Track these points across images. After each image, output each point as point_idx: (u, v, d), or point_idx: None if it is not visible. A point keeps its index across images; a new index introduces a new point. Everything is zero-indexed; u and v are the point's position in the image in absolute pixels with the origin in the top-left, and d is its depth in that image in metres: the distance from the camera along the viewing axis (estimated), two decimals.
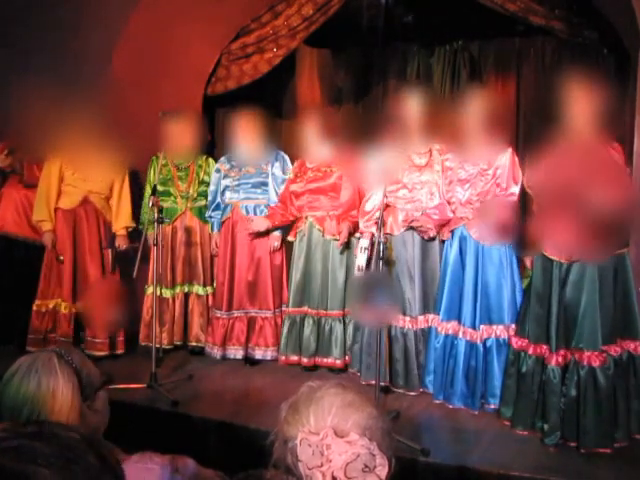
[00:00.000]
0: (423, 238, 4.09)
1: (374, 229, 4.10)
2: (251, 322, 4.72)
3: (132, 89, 5.11)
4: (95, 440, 0.91)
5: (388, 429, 1.26)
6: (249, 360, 4.72)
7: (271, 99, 6.04)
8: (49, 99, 4.68)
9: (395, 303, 4.04)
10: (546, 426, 3.40)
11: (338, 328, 4.49)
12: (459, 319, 3.93)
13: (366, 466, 1.18)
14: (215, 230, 4.86)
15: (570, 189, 3.31)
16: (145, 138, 4.61)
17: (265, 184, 4.72)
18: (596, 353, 3.29)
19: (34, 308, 4.72)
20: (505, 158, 3.84)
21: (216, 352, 4.75)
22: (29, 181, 4.80)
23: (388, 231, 4.09)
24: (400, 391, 4.14)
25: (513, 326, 3.75)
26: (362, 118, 6.26)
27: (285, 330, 4.62)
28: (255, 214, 4.72)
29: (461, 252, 3.95)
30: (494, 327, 3.87)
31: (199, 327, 4.95)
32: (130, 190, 4.81)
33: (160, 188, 4.63)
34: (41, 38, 5.18)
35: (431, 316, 4.14)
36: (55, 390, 1.54)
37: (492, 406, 3.84)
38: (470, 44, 6.00)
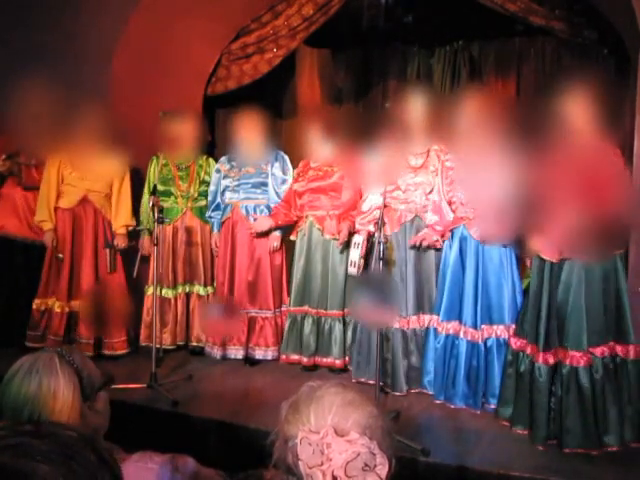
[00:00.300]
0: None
1: (371, 227, 4.11)
2: (251, 322, 4.72)
3: (132, 89, 5.12)
4: (93, 438, 0.92)
5: (388, 428, 1.26)
6: (249, 360, 4.72)
7: (271, 99, 6.04)
8: (49, 99, 4.68)
9: (393, 304, 4.04)
10: (535, 425, 3.40)
11: (337, 328, 4.49)
12: (460, 319, 3.94)
13: (366, 465, 1.18)
14: (215, 230, 4.86)
15: (567, 189, 3.31)
16: (145, 138, 4.62)
17: (265, 184, 4.73)
18: (580, 353, 3.28)
19: (34, 306, 4.73)
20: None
21: (216, 352, 4.75)
22: (28, 183, 4.81)
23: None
24: (387, 391, 4.14)
25: (513, 326, 3.76)
26: (362, 118, 6.26)
27: (286, 329, 4.63)
28: (255, 214, 4.72)
29: (461, 252, 3.95)
30: (494, 327, 3.87)
31: (200, 327, 4.95)
32: (131, 189, 4.81)
33: (161, 188, 4.63)
34: (41, 38, 5.18)
35: (427, 317, 4.14)
36: (56, 390, 1.54)
37: (492, 406, 3.84)
38: (470, 44, 6.01)
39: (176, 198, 4.88)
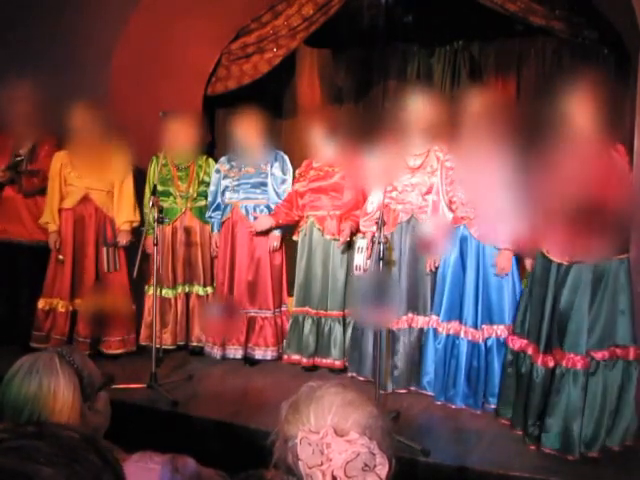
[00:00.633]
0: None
1: (374, 228, 4.11)
2: (251, 322, 4.72)
3: (132, 89, 5.12)
4: (96, 439, 0.92)
5: (388, 428, 1.26)
6: (249, 360, 4.72)
7: (271, 99, 6.04)
8: (49, 99, 4.68)
9: (391, 304, 4.04)
10: (528, 424, 3.40)
11: (338, 329, 4.50)
12: (460, 319, 3.94)
13: (366, 465, 1.18)
14: (215, 230, 4.86)
15: (571, 190, 3.30)
16: (145, 138, 4.61)
17: (265, 184, 4.73)
18: (578, 357, 3.25)
19: (39, 306, 4.74)
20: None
21: (216, 352, 4.75)
22: (28, 189, 4.81)
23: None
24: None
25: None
26: (362, 118, 6.26)
27: (289, 329, 4.64)
28: (255, 213, 4.72)
29: (462, 253, 3.95)
30: (495, 327, 3.88)
31: (200, 327, 4.95)
32: (134, 185, 4.79)
33: (160, 188, 4.63)
34: (41, 38, 5.18)
35: (421, 318, 4.14)
36: (56, 390, 1.54)
37: (492, 406, 3.84)
38: (470, 44, 6.00)
39: (175, 198, 4.88)
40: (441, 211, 4.06)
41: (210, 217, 4.87)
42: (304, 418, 1.23)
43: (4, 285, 4.88)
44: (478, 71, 5.99)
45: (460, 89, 5.74)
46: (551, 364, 3.37)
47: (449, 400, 3.96)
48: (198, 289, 4.95)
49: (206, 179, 4.94)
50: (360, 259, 4.22)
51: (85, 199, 4.71)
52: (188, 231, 4.90)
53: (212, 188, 4.86)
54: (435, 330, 4.05)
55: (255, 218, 4.69)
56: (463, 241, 3.95)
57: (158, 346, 4.29)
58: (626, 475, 3.17)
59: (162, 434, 3.53)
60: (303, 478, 1.19)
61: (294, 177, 4.74)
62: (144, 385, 4.05)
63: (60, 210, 4.72)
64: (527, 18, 4.88)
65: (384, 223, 3.70)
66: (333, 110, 6.20)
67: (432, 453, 3.23)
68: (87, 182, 4.69)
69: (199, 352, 4.89)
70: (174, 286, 4.90)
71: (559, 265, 3.36)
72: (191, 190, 4.91)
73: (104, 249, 4.69)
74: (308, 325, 4.55)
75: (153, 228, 4.19)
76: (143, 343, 4.83)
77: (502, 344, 3.82)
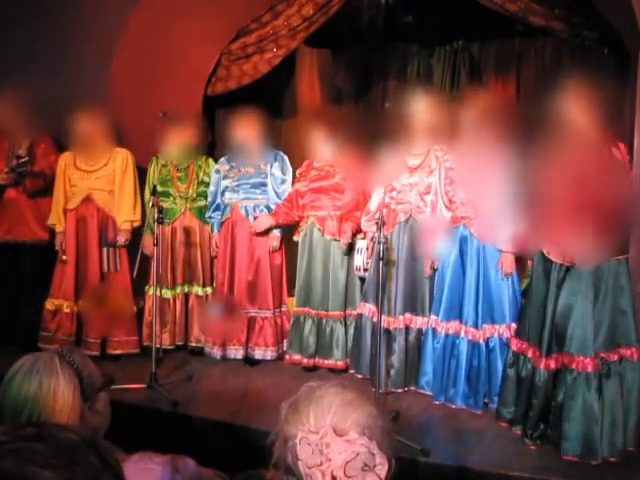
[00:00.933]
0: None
1: (374, 228, 4.11)
2: (251, 322, 4.72)
3: (132, 89, 5.12)
4: (94, 440, 0.91)
5: (388, 428, 1.26)
6: (249, 360, 4.72)
7: (271, 99, 6.04)
8: (48, 99, 4.68)
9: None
10: (529, 426, 3.40)
11: (339, 329, 4.49)
12: (460, 319, 3.93)
13: (365, 465, 1.18)
14: (215, 231, 4.86)
15: (571, 190, 3.30)
16: (145, 138, 4.61)
17: (264, 184, 4.73)
18: (588, 359, 3.24)
19: (46, 307, 4.76)
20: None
21: (216, 352, 4.75)
22: (32, 189, 4.82)
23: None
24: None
25: (514, 325, 3.76)
26: (362, 118, 6.25)
27: (290, 329, 4.64)
28: (255, 212, 4.72)
29: (461, 252, 3.95)
30: (496, 326, 3.87)
31: (199, 328, 4.95)
32: (135, 186, 4.79)
33: (160, 188, 4.63)
34: (41, 38, 5.18)
35: (419, 318, 4.14)
36: (56, 391, 1.54)
37: (495, 406, 3.83)
38: (470, 44, 6.00)
39: (175, 199, 4.88)
40: (439, 211, 4.06)
41: (210, 217, 4.87)
42: (304, 418, 1.23)
43: (7, 286, 4.88)
44: (478, 71, 5.99)
45: (460, 89, 5.74)
46: (553, 367, 3.36)
47: (449, 400, 3.96)
48: (197, 289, 4.95)
49: (206, 179, 4.94)
50: (360, 260, 4.26)
51: (87, 199, 4.71)
52: (188, 231, 4.90)
53: (212, 188, 4.86)
54: (434, 330, 4.04)
55: (255, 218, 4.69)
56: (463, 241, 3.95)
57: (158, 346, 4.29)
58: (626, 476, 3.16)
59: (162, 434, 3.53)
60: (303, 478, 1.19)
61: (294, 177, 4.74)
62: (144, 385, 4.05)
63: (64, 211, 4.73)
64: (527, 18, 4.88)
65: (384, 223, 3.70)
66: (333, 110, 6.20)
67: (432, 453, 3.23)
68: (89, 183, 4.69)
69: (199, 352, 4.89)
70: (173, 286, 4.90)
71: (559, 266, 3.36)
72: (191, 190, 4.91)
73: (104, 249, 4.69)
74: (308, 326, 4.55)
75: (152, 228, 4.19)
76: (144, 343, 4.83)
77: (504, 343, 3.81)
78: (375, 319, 4.08)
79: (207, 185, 4.91)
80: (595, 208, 3.21)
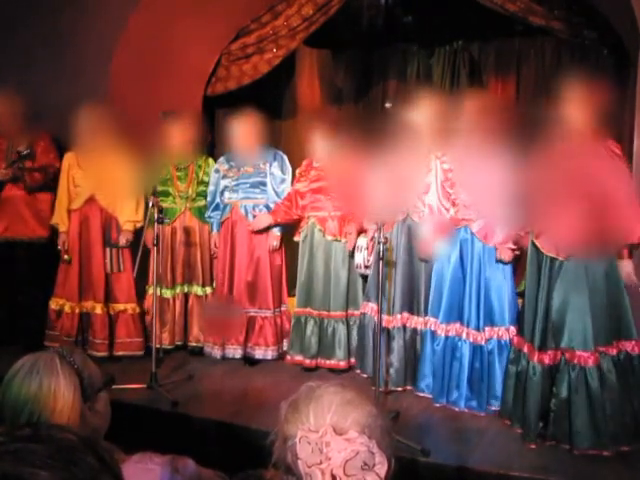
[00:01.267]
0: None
1: (374, 227, 4.12)
2: (250, 322, 4.72)
3: (132, 89, 5.12)
4: (92, 440, 0.91)
5: (387, 427, 1.26)
6: (249, 360, 4.72)
7: (271, 99, 6.05)
8: (49, 99, 4.69)
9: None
10: (526, 423, 3.41)
11: (341, 329, 4.49)
12: (461, 320, 3.93)
13: (365, 464, 1.18)
14: (214, 231, 4.86)
15: (567, 189, 3.31)
16: (145, 138, 4.62)
17: (264, 184, 4.73)
18: (588, 353, 3.27)
19: (51, 306, 4.76)
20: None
21: (216, 352, 4.75)
22: (32, 185, 4.81)
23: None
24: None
25: (512, 328, 3.77)
26: (362, 118, 6.26)
27: (292, 330, 4.64)
28: (255, 211, 4.72)
29: (462, 254, 3.94)
30: (496, 329, 3.87)
31: (199, 328, 4.95)
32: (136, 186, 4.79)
33: (159, 188, 4.63)
34: (41, 39, 5.19)
35: (417, 318, 4.14)
36: (56, 391, 1.54)
37: (494, 407, 3.83)
38: (470, 44, 6.01)
39: (174, 198, 4.88)
40: (436, 211, 4.06)
41: (209, 217, 4.87)
42: (303, 417, 1.23)
43: (5, 284, 4.88)
44: (478, 71, 6.00)
45: (460, 89, 5.75)
46: (547, 362, 3.38)
47: (452, 403, 3.93)
48: (197, 289, 4.95)
49: (205, 179, 4.93)
50: (360, 257, 4.27)
51: (91, 200, 4.71)
52: (187, 231, 4.90)
53: (211, 188, 4.86)
54: (433, 332, 4.03)
55: (254, 217, 4.69)
56: (463, 243, 3.94)
57: (158, 346, 4.29)
58: (627, 475, 3.16)
59: (162, 434, 3.53)
60: (302, 477, 1.19)
61: (294, 176, 4.73)
62: (144, 385, 4.05)
63: (68, 211, 4.74)
64: (527, 18, 4.88)
65: (384, 223, 3.70)
66: (333, 110, 6.21)
67: (432, 453, 3.22)
68: (93, 183, 4.69)
69: (198, 352, 4.89)
70: (173, 286, 4.90)
71: (551, 260, 3.37)
72: (190, 190, 4.91)
73: (107, 250, 4.69)
74: (310, 326, 4.55)
75: (153, 223, 4.18)
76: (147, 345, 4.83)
77: (503, 346, 3.82)
78: (377, 318, 4.09)
79: (207, 185, 4.91)
80: (592, 205, 3.23)
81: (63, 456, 0.83)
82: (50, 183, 4.82)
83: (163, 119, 4.53)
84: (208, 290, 4.95)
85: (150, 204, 4.21)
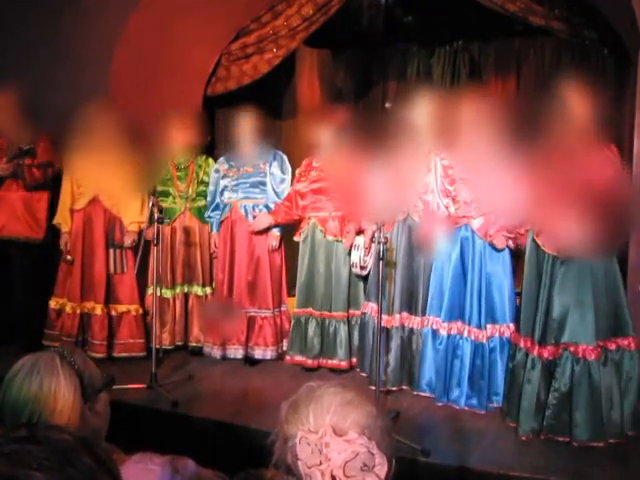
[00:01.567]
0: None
1: (374, 227, 4.11)
2: (250, 322, 4.72)
3: (132, 89, 5.11)
4: (89, 441, 0.90)
5: (387, 428, 1.26)
6: (249, 360, 4.72)
7: (271, 99, 6.04)
8: (49, 99, 4.68)
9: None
10: (521, 416, 3.44)
11: (342, 329, 4.49)
12: (463, 319, 3.93)
13: (365, 465, 1.18)
14: (214, 231, 4.86)
15: (566, 188, 3.32)
16: (145, 138, 4.61)
17: (264, 183, 4.72)
18: (591, 347, 3.34)
19: (50, 305, 4.76)
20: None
21: (216, 352, 4.75)
22: (32, 183, 4.81)
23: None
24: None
25: (511, 325, 3.80)
26: (362, 119, 6.26)
27: (291, 330, 4.63)
28: (254, 211, 4.72)
29: (462, 252, 3.95)
30: (498, 326, 3.88)
31: (199, 328, 4.95)
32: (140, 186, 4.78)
33: (159, 188, 4.63)
34: (41, 38, 5.18)
35: (416, 318, 4.14)
36: (56, 391, 1.54)
37: (495, 405, 3.85)
38: (470, 44, 6.01)
39: (174, 198, 4.88)
40: (436, 210, 4.05)
41: (209, 217, 4.87)
42: (303, 418, 1.23)
43: (1, 284, 4.87)
44: (478, 71, 6.00)
45: (460, 89, 5.74)
46: (546, 356, 3.41)
47: (453, 402, 3.94)
48: (197, 289, 4.95)
49: (205, 179, 4.93)
50: (356, 256, 4.27)
51: (94, 200, 4.70)
52: (187, 231, 4.90)
53: (211, 188, 4.86)
54: (435, 331, 4.03)
55: (254, 217, 4.69)
56: (464, 241, 3.95)
57: (158, 346, 4.29)
58: (626, 474, 3.16)
59: (162, 434, 3.53)
60: (302, 478, 1.19)
61: (294, 176, 4.73)
62: (144, 385, 4.05)
63: (71, 211, 4.73)
64: (527, 18, 4.88)
65: (384, 223, 3.70)
66: (333, 110, 6.20)
67: (432, 453, 3.23)
68: (97, 184, 4.68)
69: (198, 352, 4.88)
70: (173, 286, 4.90)
71: (554, 259, 3.40)
72: (190, 190, 4.90)
73: (111, 250, 4.69)
74: (312, 327, 4.54)
75: (153, 223, 4.17)
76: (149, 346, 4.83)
77: (505, 343, 3.83)
78: (377, 318, 4.09)
79: (207, 185, 4.91)
80: (591, 204, 3.25)
81: (59, 457, 0.83)
82: (48, 182, 4.81)
83: (163, 119, 4.52)
84: (208, 290, 4.95)
85: (150, 204, 4.21)
